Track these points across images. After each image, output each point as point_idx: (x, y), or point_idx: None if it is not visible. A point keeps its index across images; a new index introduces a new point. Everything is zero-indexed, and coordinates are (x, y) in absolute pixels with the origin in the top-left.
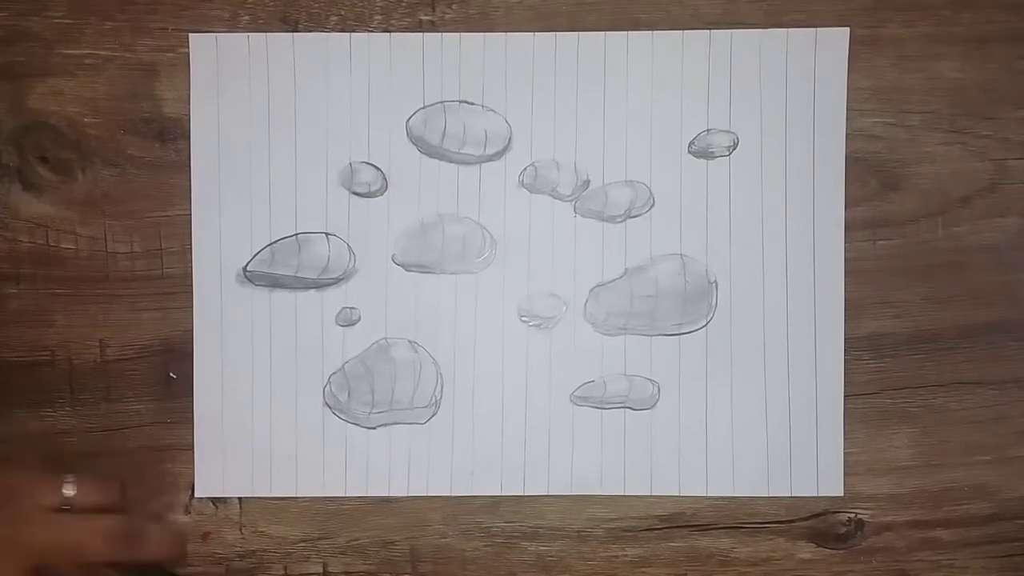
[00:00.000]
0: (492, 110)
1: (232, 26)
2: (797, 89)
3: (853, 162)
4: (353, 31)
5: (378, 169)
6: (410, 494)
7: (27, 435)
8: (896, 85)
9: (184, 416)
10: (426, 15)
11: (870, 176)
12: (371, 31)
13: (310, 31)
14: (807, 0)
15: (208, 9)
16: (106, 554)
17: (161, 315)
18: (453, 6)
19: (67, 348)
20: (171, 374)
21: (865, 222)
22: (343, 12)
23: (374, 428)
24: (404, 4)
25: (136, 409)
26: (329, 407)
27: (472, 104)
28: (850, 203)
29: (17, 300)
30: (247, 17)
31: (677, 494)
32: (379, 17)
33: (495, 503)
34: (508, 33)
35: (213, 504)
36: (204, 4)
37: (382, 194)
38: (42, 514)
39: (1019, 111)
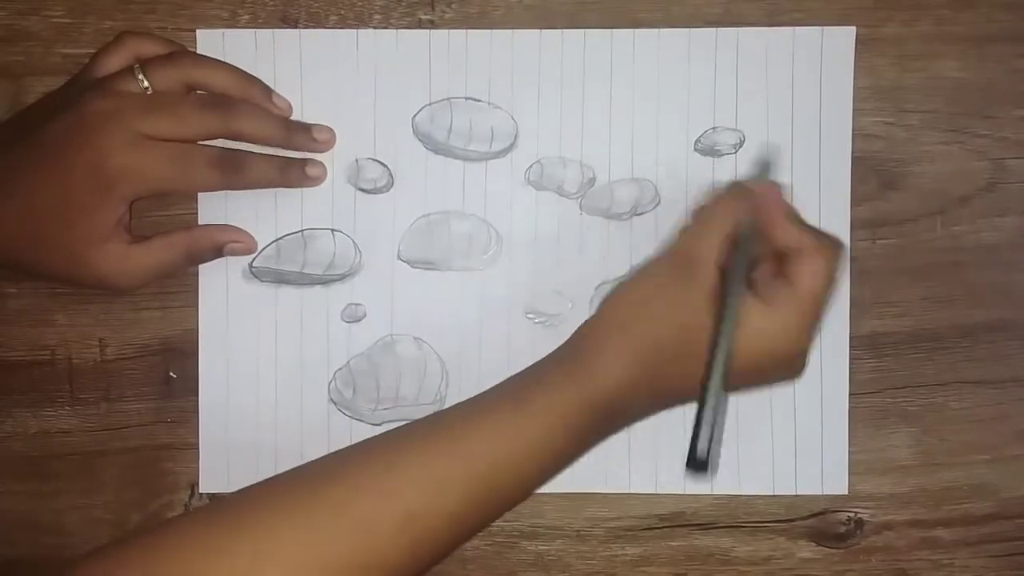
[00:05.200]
0: (498, 107)
1: (231, 25)
2: (803, 87)
3: (853, 161)
4: (355, 29)
5: (384, 165)
6: None
7: (27, 434)
8: (896, 84)
9: (184, 416)
10: (425, 14)
11: (870, 175)
12: (373, 30)
13: (309, 30)
14: None
15: (207, 8)
16: (211, 183)
17: (161, 314)
18: (452, 5)
19: (67, 347)
20: (171, 373)
21: (865, 221)
22: (342, 12)
23: (379, 425)
24: (404, 3)
25: (136, 408)
26: (334, 403)
27: (478, 101)
28: (850, 202)
29: (17, 299)
30: (246, 16)
31: (682, 492)
32: (378, 16)
33: None
34: (515, 30)
35: None
36: (203, 3)
37: (388, 190)
38: (139, 141)
39: (1018, 110)
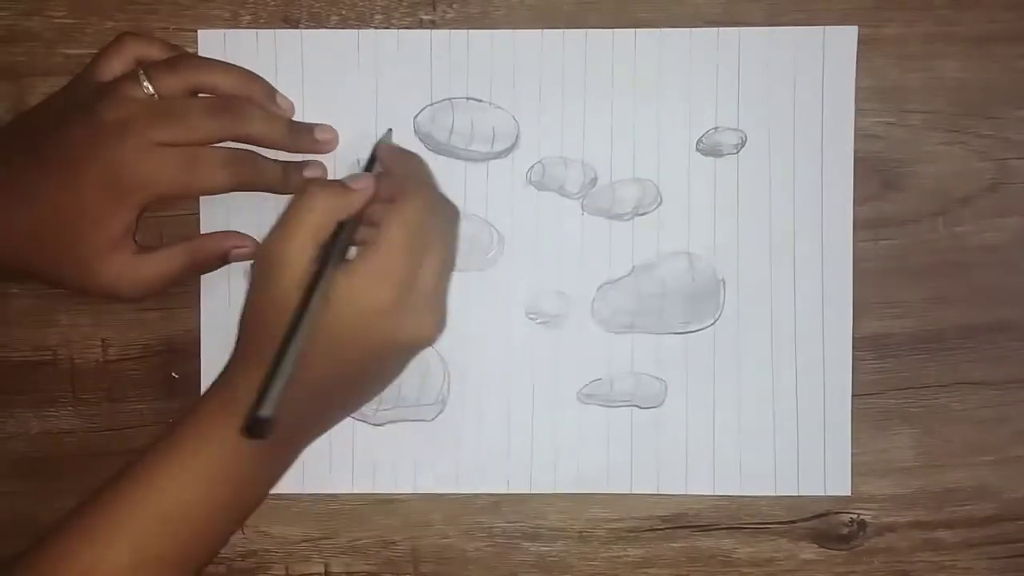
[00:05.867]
0: (499, 107)
1: (233, 25)
2: (805, 87)
3: (855, 161)
4: (356, 30)
5: None
6: (416, 491)
7: (29, 434)
8: (897, 85)
9: None
10: (427, 15)
11: (871, 176)
12: (374, 30)
13: (311, 30)
14: None
15: (209, 8)
16: (224, 184)
17: (163, 315)
18: (454, 6)
19: (69, 348)
20: (173, 374)
21: (867, 222)
22: (344, 12)
23: (381, 425)
24: (405, 4)
25: (138, 409)
26: None
27: (480, 101)
28: (852, 203)
29: (19, 300)
30: (248, 16)
31: (684, 492)
32: (380, 17)
33: (496, 503)
34: (516, 30)
35: None
36: (205, 3)
37: None
38: (151, 149)
39: (1020, 110)
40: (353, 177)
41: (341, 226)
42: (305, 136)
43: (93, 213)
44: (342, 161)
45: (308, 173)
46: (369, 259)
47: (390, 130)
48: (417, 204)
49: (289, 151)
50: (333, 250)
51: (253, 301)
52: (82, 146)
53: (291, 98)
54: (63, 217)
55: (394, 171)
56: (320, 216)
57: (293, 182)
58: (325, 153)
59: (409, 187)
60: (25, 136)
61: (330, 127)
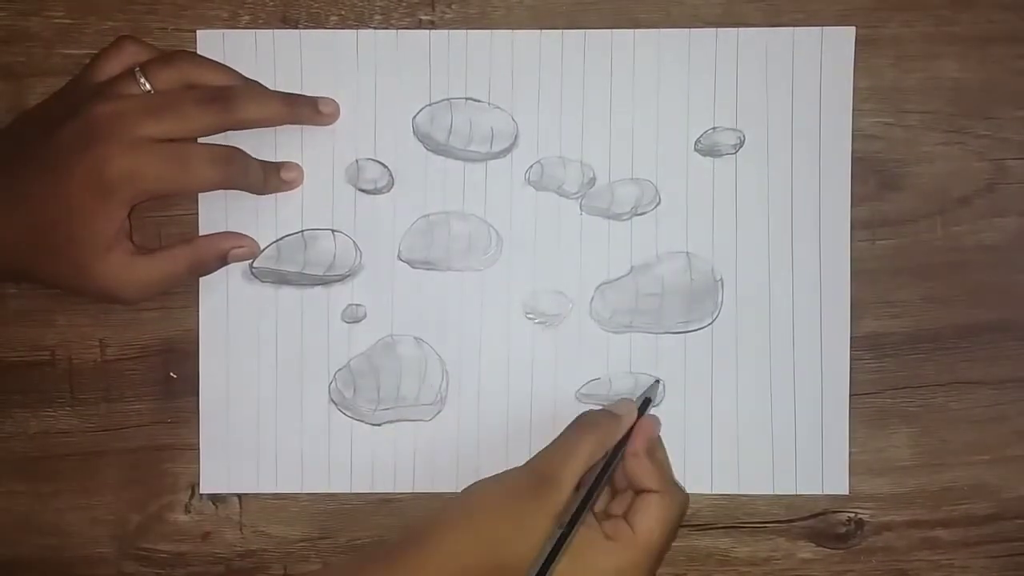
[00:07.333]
0: (498, 107)
1: (232, 26)
2: (803, 88)
3: (852, 162)
4: (355, 30)
5: (384, 166)
6: (415, 490)
7: (27, 435)
8: (895, 85)
9: (184, 416)
10: (426, 15)
11: (869, 176)
12: (372, 30)
13: (310, 30)
14: (807, 0)
15: (208, 9)
16: (212, 181)
17: (161, 315)
18: (453, 6)
19: (67, 348)
20: (171, 374)
21: (864, 222)
22: (343, 12)
23: (380, 425)
24: (404, 4)
25: (136, 409)
26: (335, 404)
27: (478, 101)
28: (850, 203)
29: (17, 300)
30: (247, 17)
31: None
32: (379, 17)
33: None
34: (515, 31)
35: (213, 504)
36: (204, 4)
37: (388, 191)
38: (138, 144)
39: (1018, 111)
40: (619, 403)
41: (601, 470)
42: (307, 108)
43: (82, 211)
44: (341, 161)
45: (285, 175)
46: (627, 546)
47: (658, 381)
48: (679, 507)
49: (290, 123)
50: (588, 492)
51: (503, 492)
52: (71, 145)
53: None
54: (55, 217)
55: (658, 454)
56: (594, 445)
57: (270, 182)
58: (326, 125)
59: (673, 485)
60: (20, 139)
61: (332, 100)
